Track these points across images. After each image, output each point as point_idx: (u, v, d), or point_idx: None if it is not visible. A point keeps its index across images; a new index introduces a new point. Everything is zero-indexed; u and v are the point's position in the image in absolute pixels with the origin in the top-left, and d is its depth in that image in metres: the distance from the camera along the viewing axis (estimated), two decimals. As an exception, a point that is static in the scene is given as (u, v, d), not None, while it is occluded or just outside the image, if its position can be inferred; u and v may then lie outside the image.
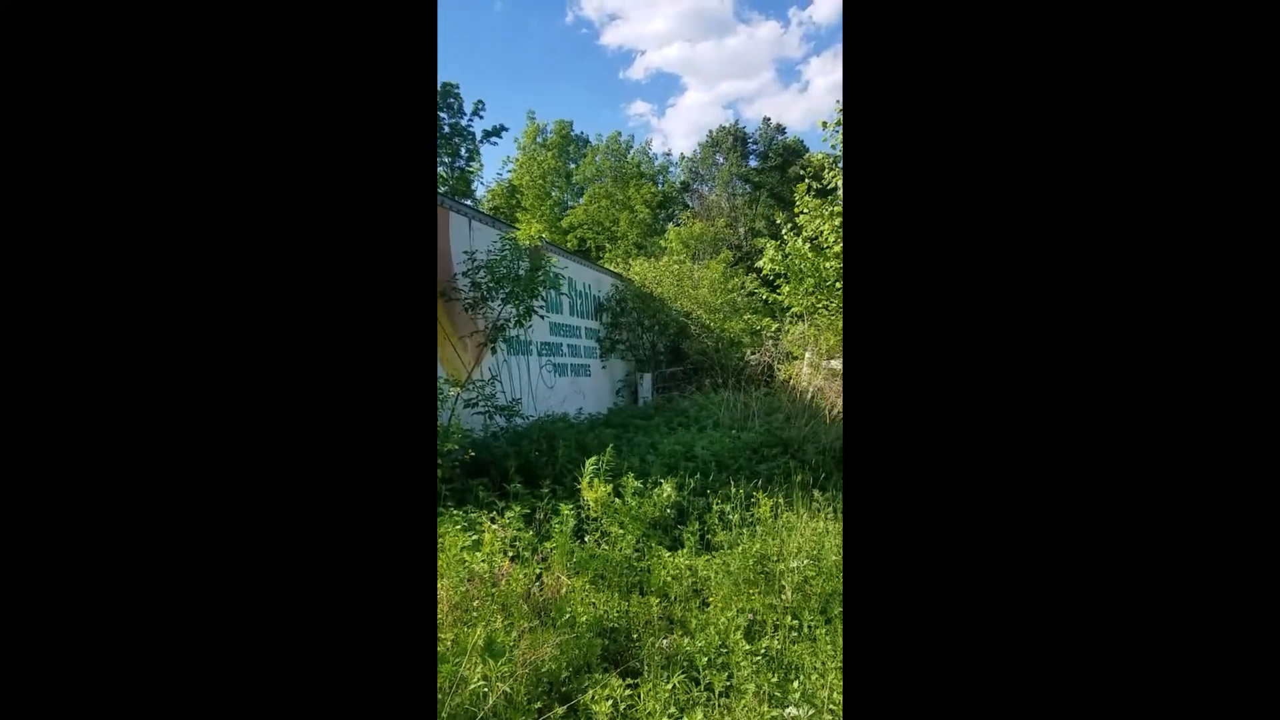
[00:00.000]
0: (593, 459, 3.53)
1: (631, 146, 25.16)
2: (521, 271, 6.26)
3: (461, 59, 34.21)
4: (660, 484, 3.62)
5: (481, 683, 2.02)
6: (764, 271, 9.97)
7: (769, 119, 28.91)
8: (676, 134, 43.68)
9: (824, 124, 8.97)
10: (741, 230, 24.42)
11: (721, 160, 27.47)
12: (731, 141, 27.36)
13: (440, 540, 3.20)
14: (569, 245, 21.70)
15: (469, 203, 16.70)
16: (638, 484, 3.50)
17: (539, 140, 24.65)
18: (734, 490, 4.05)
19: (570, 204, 24.83)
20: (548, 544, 3.22)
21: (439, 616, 2.51)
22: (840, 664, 2.39)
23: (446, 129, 18.32)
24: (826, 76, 38.60)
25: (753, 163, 27.54)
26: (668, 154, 36.09)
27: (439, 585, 2.60)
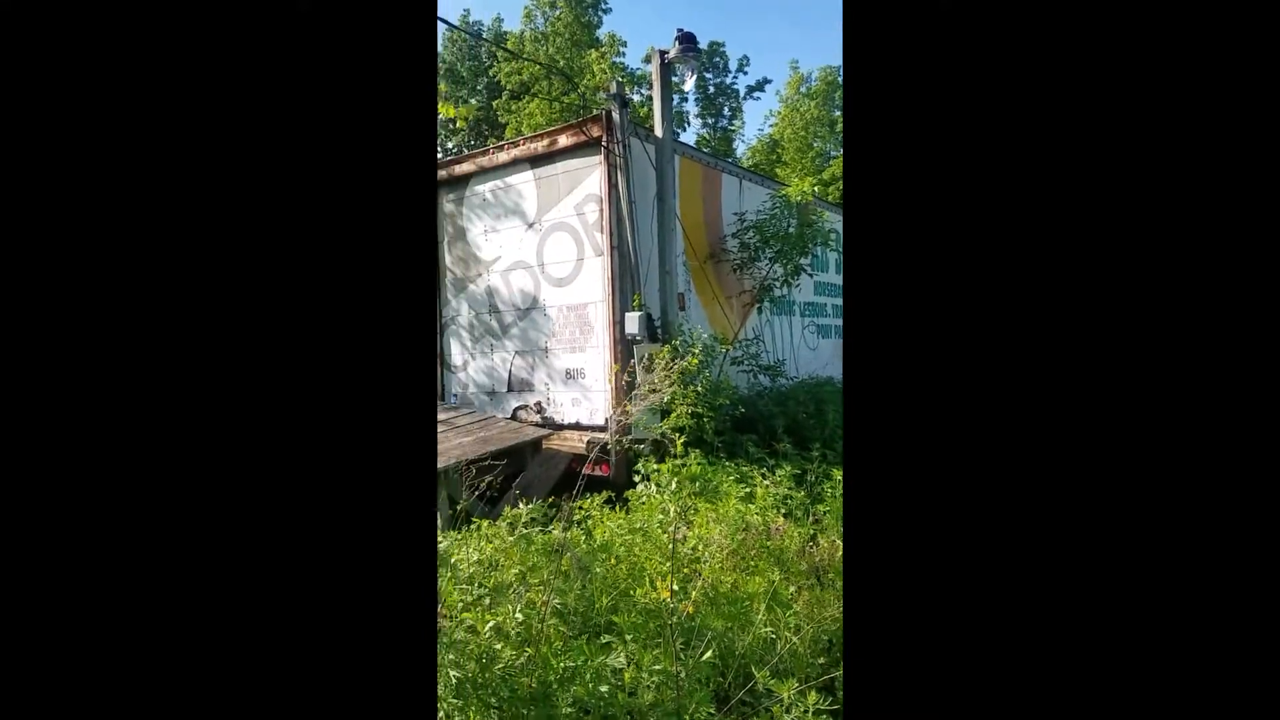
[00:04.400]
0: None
1: (907, 84, 22.67)
2: (790, 229, 6.15)
3: (721, 12, 34.11)
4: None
5: (769, 629, 2.13)
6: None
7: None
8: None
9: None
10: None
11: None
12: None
13: (717, 486, 3.40)
14: (832, 199, 20.66)
15: (730, 161, 16.79)
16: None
17: (802, 90, 23.61)
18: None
19: (834, 154, 23.46)
20: (820, 506, 3.22)
21: (727, 550, 2.69)
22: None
23: (711, 89, 18.56)
24: None
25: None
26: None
27: (724, 526, 2.78)
